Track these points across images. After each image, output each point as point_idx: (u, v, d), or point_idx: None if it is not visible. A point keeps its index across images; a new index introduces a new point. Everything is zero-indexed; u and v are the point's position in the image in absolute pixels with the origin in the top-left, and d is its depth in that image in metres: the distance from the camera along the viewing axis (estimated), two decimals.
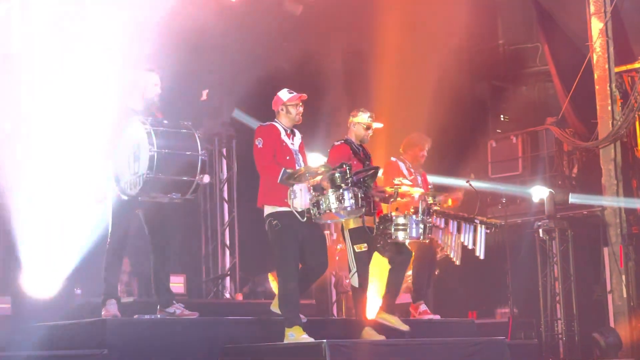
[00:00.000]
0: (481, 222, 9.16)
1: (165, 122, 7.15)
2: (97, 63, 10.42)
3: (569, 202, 12.94)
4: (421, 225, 7.93)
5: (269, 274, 11.40)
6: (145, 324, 7.12)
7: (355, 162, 8.00)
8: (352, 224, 7.86)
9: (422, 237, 7.97)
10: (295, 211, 7.13)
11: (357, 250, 7.85)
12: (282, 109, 7.48)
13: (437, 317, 9.20)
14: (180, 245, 9.97)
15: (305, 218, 7.11)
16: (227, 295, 12.73)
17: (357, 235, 7.86)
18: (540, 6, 14.31)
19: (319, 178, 7.11)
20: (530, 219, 13.07)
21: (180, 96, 10.20)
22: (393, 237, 7.90)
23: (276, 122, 7.50)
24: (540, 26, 14.39)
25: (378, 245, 7.98)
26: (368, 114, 8.19)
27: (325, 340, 6.62)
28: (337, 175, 7.02)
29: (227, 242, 13.19)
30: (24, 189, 9.99)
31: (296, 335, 7.11)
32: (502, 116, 15.42)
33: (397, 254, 8.17)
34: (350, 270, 7.93)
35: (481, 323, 11.07)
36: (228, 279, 12.92)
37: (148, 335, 6.93)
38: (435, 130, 11.61)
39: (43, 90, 9.94)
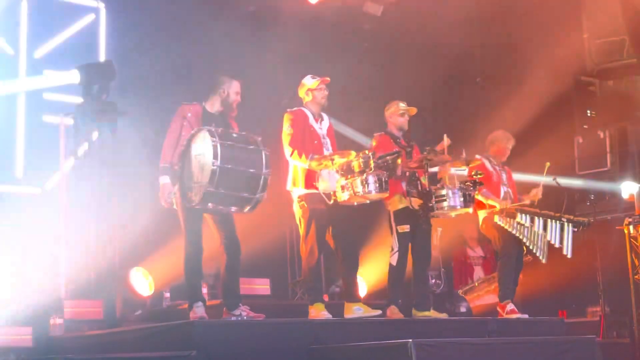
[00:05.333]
0: (568, 221, 9.03)
1: (235, 135, 7.20)
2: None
3: None
4: (461, 195, 8.13)
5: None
6: (232, 325, 7.21)
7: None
8: (399, 205, 8.24)
9: (463, 206, 8.17)
10: (323, 194, 7.55)
11: (400, 232, 8.30)
12: (307, 95, 7.93)
13: (525, 316, 9.07)
14: (264, 249, 10.06)
15: (332, 201, 7.56)
16: None
17: (401, 217, 8.30)
18: None
19: (343, 162, 7.61)
20: (620, 215, 12.76)
21: (260, 102, 10.27)
22: (436, 209, 8.15)
23: (304, 107, 7.93)
24: (625, 18, 14.07)
25: (420, 221, 8.27)
26: (400, 103, 8.61)
27: (410, 340, 6.60)
28: (361, 161, 7.50)
29: None
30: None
31: (316, 311, 7.59)
32: (588, 111, 15.09)
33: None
34: (392, 250, 8.33)
35: (571, 322, 10.86)
36: None
37: (235, 337, 7.00)
38: (521, 127, 11.48)
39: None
